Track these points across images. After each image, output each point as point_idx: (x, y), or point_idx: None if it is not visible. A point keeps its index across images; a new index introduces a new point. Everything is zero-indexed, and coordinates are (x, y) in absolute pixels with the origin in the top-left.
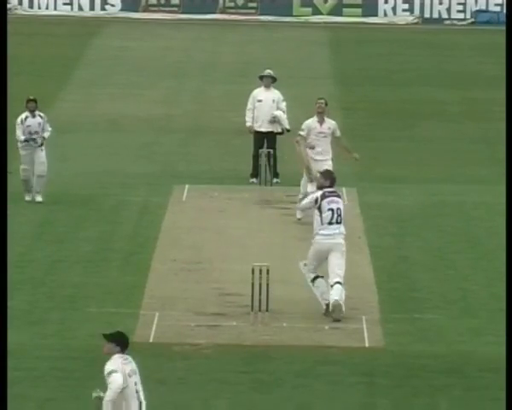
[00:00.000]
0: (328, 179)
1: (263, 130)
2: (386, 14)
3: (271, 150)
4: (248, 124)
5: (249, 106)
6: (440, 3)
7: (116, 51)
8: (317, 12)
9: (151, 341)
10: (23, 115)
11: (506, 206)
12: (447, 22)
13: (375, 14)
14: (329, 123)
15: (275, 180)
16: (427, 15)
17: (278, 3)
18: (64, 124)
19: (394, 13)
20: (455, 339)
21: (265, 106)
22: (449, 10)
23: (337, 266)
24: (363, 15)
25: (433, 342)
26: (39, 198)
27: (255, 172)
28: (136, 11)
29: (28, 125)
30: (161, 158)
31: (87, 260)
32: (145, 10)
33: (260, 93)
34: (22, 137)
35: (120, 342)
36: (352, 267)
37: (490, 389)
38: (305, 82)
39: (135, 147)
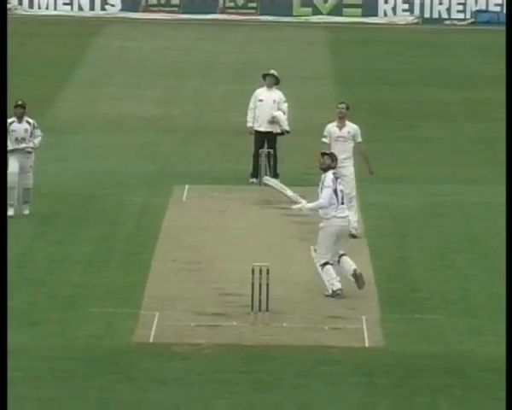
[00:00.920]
0: (335, 161)
1: (262, 130)
2: (386, 14)
3: (271, 150)
4: (249, 124)
5: (251, 105)
6: (440, 3)
7: (116, 51)
8: (317, 12)
9: (151, 341)
10: (9, 120)
11: (506, 206)
12: (447, 22)
13: (375, 14)
14: (350, 127)
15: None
16: (427, 15)
17: (278, 3)
18: (64, 124)
19: (394, 13)
20: (455, 339)
21: (266, 106)
22: (449, 10)
23: (344, 249)
24: (363, 15)
25: (433, 342)
26: (26, 211)
27: (255, 172)
28: (136, 11)
29: (13, 131)
30: (161, 158)
31: (87, 260)
32: (145, 10)
33: (262, 93)
34: (10, 147)
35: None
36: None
37: (490, 389)
38: (305, 82)
39: (135, 147)
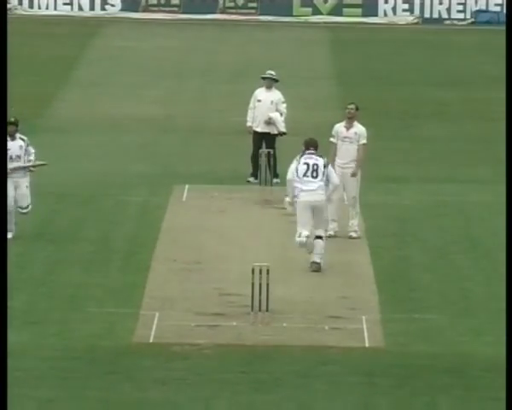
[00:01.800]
0: (312, 147)
1: (259, 130)
2: (386, 14)
3: (271, 150)
4: (248, 124)
5: (251, 105)
6: (440, 3)
7: (116, 51)
8: (317, 12)
9: (151, 341)
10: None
11: (506, 206)
12: (447, 22)
13: (375, 14)
14: (357, 128)
15: (275, 180)
16: (427, 15)
17: (278, 3)
18: (64, 124)
19: (394, 13)
20: (455, 339)
21: (263, 106)
22: (449, 10)
23: (320, 222)
24: (363, 15)
25: (433, 342)
26: (9, 235)
27: (255, 172)
28: (136, 11)
29: (8, 149)
30: (161, 158)
31: (87, 260)
32: (145, 10)
33: (261, 93)
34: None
35: None
36: (352, 267)
37: (490, 389)
38: (306, 82)
39: (135, 147)
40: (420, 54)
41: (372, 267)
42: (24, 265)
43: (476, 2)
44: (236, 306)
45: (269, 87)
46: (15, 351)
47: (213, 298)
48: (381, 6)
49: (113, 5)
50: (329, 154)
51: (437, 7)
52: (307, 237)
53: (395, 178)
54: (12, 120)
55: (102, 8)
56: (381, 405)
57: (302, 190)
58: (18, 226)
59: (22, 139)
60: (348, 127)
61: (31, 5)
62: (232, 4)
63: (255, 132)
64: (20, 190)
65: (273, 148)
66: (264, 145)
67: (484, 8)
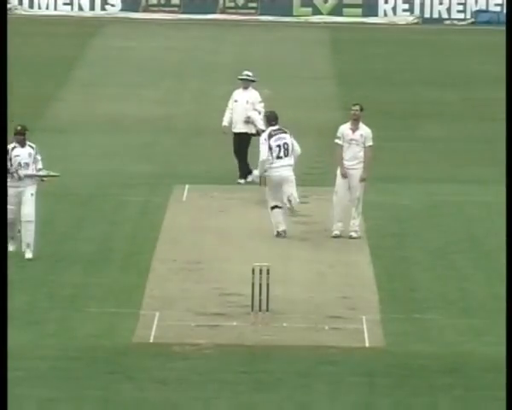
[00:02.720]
0: (273, 120)
1: (236, 131)
2: (386, 14)
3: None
4: (223, 124)
5: (229, 105)
6: (440, 3)
7: (116, 51)
8: (317, 12)
9: (151, 341)
10: (10, 145)
11: (506, 206)
12: (447, 22)
13: (375, 14)
14: (363, 130)
15: (242, 181)
16: (427, 15)
17: (278, 3)
18: (64, 124)
19: (394, 13)
20: (455, 339)
21: (239, 106)
22: (449, 10)
23: (289, 195)
24: (363, 15)
25: (433, 342)
26: (29, 254)
27: (241, 174)
28: (136, 11)
29: (17, 155)
30: (161, 158)
31: (87, 260)
32: (145, 10)
33: (237, 94)
34: (19, 173)
35: None
36: (352, 267)
37: (490, 388)
38: (306, 82)
39: (135, 147)
40: (420, 54)
41: (372, 267)
42: (24, 265)
43: (476, 2)
44: (236, 306)
45: (246, 87)
46: (15, 351)
47: (213, 298)
48: (381, 6)
49: (113, 5)
50: (335, 155)
51: (437, 7)
52: (284, 231)
53: (395, 178)
54: (19, 128)
55: (102, 8)
56: (381, 405)
57: (274, 168)
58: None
59: (31, 147)
60: (354, 129)
61: (31, 5)
62: (232, 4)
63: (234, 133)
64: (24, 197)
65: (245, 149)
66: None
67: (484, 8)
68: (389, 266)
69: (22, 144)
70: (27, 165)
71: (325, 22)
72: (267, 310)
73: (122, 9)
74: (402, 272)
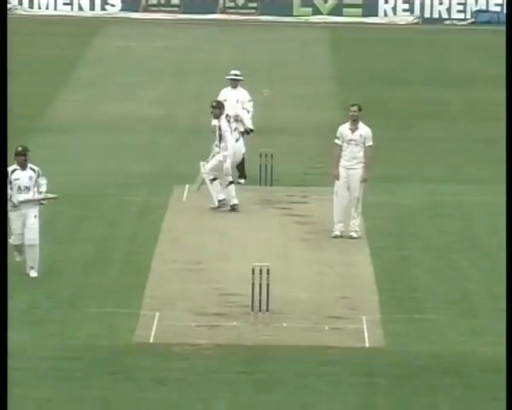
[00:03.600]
0: (222, 107)
1: None
2: (386, 14)
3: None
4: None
5: None
6: (440, 3)
7: (116, 51)
8: (317, 12)
9: (151, 341)
10: (11, 167)
11: (506, 206)
12: (447, 22)
13: (375, 14)
14: (363, 130)
15: (242, 181)
16: (427, 15)
17: (278, 3)
18: (64, 124)
19: (394, 13)
20: (455, 339)
21: (229, 105)
22: (449, 10)
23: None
24: (363, 15)
25: (433, 342)
26: (34, 274)
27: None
28: (136, 11)
29: (17, 179)
30: (161, 158)
31: (87, 260)
32: (145, 10)
33: (226, 93)
34: (13, 200)
35: None
36: (352, 267)
37: (490, 389)
38: (305, 82)
39: (135, 147)
40: (420, 54)
41: (372, 267)
42: (24, 265)
43: (476, 2)
44: (236, 306)
45: (234, 87)
46: (15, 351)
47: (213, 298)
48: (381, 6)
49: (113, 5)
50: (333, 155)
51: (437, 7)
52: (224, 198)
53: (395, 178)
54: (20, 149)
55: (102, 8)
56: (381, 405)
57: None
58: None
59: (33, 170)
60: (353, 129)
61: (31, 5)
62: (232, 4)
63: None
64: (28, 219)
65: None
66: None
67: (484, 8)
68: (389, 266)
69: (23, 167)
70: (27, 189)
71: (325, 22)
72: (267, 310)
73: (122, 9)
74: (402, 272)
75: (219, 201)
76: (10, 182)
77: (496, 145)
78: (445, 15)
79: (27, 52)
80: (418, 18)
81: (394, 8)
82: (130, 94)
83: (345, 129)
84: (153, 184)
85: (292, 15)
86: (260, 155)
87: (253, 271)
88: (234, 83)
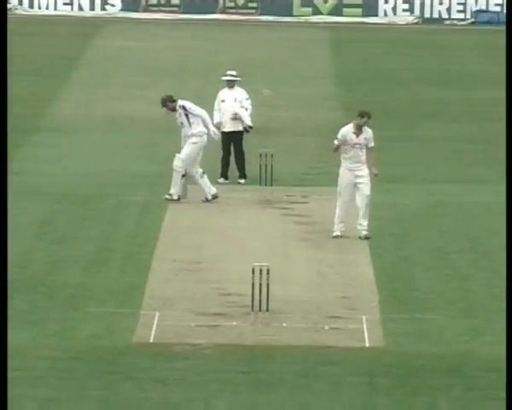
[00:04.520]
0: (174, 101)
1: (226, 130)
2: (386, 14)
3: (270, 150)
4: (215, 121)
5: (215, 106)
6: (440, 3)
7: (116, 51)
8: (317, 12)
9: (151, 341)
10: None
11: (506, 206)
12: (447, 22)
13: (375, 14)
14: (366, 133)
15: (242, 181)
16: (427, 15)
17: (278, 3)
18: (64, 124)
19: (394, 13)
20: (455, 339)
21: (227, 105)
22: (449, 10)
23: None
24: (363, 15)
25: (433, 342)
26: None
27: (224, 173)
28: (136, 11)
29: None
30: (161, 158)
31: (87, 260)
32: (145, 10)
33: (224, 93)
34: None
35: None
36: (352, 267)
37: (490, 388)
38: (305, 82)
39: (135, 147)
40: (420, 54)
41: (372, 267)
42: (24, 265)
43: (476, 2)
44: (236, 306)
45: (231, 87)
46: (15, 351)
47: (213, 298)
48: (381, 6)
49: (113, 5)
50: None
51: (437, 7)
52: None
53: (395, 178)
54: None
55: (102, 8)
56: (381, 405)
57: (206, 134)
58: (20, 226)
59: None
60: (358, 133)
61: (31, 5)
62: (232, 4)
63: (223, 133)
64: None
65: (241, 148)
66: (232, 145)
67: (484, 8)
68: (389, 266)
69: None
70: None
71: (325, 22)
72: (267, 310)
73: (122, 9)
74: (402, 272)
75: (212, 195)
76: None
77: (496, 145)
78: (445, 15)
79: (27, 52)
80: (418, 18)
81: (394, 8)
82: (130, 94)
83: (349, 133)
84: (153, 184)
85: (292, 15)
86: (260, 155)
87: (253, 271)
88: (230, 83)
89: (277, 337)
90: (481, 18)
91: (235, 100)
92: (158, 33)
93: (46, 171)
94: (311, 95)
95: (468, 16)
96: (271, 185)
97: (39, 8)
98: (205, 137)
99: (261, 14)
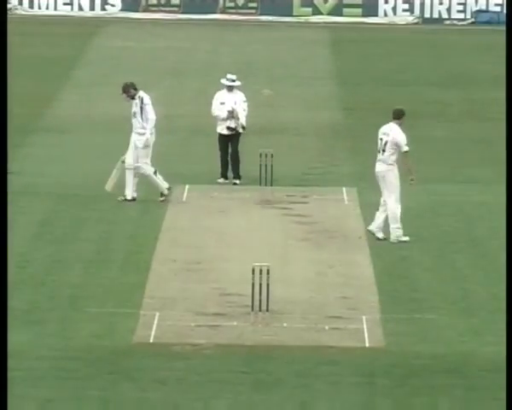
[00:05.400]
0: (136, 89)
1: (225, 132)
2: (386, 14)
3: (270, 150)
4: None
5: (213, 108)
6: (440, 3)
7: (116, 51)
8: (317, 12)
9: (151, 341)
10: None
11: (506, 206)
12: (447, 22)
13: (375, 14)
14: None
15: (237, 181)
16: (427, 15)
17: (278, 3)
18: (64, 124)
19: (394, 13)
20: (455, 339)
21: (227, 108)
22: (449, 10)
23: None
24: (363, 15)
25: (433, 342)
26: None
27: (224, 173)
28: (136, 11)
29: None
30: (161, 158)
31: (87, 260)
32: (145, 10)
33: (222, 95)
34: None
35: None
36: (352, 267)
37: (490, 389)
38: (305, 82)
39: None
40: (420, 54)
41: (372, 267)
42: (24, 265)
43: (476, 2)
44: (236, 306)
45: (230, 90)
46: (15, 351)
47: (213, 298)
48: (381, 6)
49: (113, 5)
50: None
51: (437, 7)
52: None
53: None
54: None
55: (102, 8)
56: (381, 405)
57: (152, 133)
58: (20, 226)
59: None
60: None
61: (31, 5)
62: (232, 4)
63: (220, 135)
64: None
65: (236, 147)
66: (229, 146)
67: (484, 8)
68: (389, 266)
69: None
70: None
71: (325, 22)
72: (267, 310)
73: (122, 9)
74: (402, 272)
75: (167, 189)
76: None
77: (496, 145)
78: (445, 15)
79: (27, 52)
80: (418, 18)
81: (394, 8)
82: None
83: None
84: (153, 184)
85: (292, 15)
86: (260, 155)
87: (253, 271)
88: (230, 87)
89: (277, 337)
90: (481, 18)
91: (235, 103)
92: (158, 33)
93: (46, 171)
94: (311, 95)
95: (468, 16)
96: (271, 185)
97: (39, 8)
98: (153, 136)
99: (261, 14)
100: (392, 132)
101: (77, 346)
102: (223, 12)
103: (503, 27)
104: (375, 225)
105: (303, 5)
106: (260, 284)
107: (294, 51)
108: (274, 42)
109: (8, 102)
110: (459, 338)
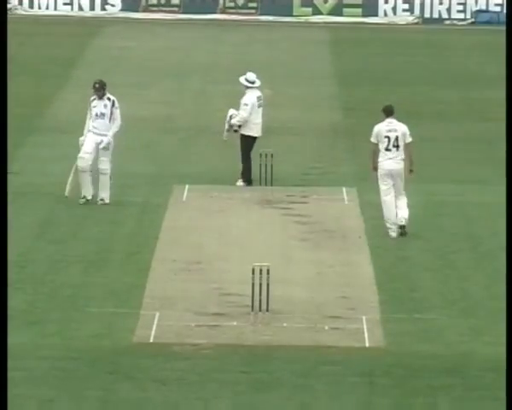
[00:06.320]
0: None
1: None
2: (386, 14)
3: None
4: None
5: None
6: (440, 3)
7: (116, 51)
8: (317, 12)
9: (151, 341)
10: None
11: (506, 206)
12: (447, 22)
13: (375, 14)
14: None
15: (239, 182)
16: (427, 15)
17: (278, 3)
18: (64, 124)
19: (394, 13)
20: (455, 339)
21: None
22: (449, 10)
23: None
24: (363, 15)
25: (433, 342)
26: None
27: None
28: (136, 11)
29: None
30: (161, 158)
31: (87, 260)
32: (145, 10)
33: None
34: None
35: None
36: (352, 267)
37: (490, 389)
38: (305, 82)
39: (135, 147)
40: (420, 54)
41: (372, 267)
42: (24, 265)
43: (476, 2)
44: (236, 306)
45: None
46: (15, 351)
47: (213, 298)
48: (381, 6)
49: (113, 5)
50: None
51: (437, 7)
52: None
53: None
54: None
55: (102, 8)
56: (381, 405)
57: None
58: (20, 226)
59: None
60: None
61: (31, 5)
62: (232, 4)
63: (252, 138)
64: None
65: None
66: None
67: (484, 8)
68: (389, 266)
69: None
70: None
71: (325, 22)
72: (267, 310)
73: (122, 9)
74: (402, 272)
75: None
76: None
77: (496, 145)
78: (445, 15)
79: (27, 52)
80: (418, 18)
81: (394, 8)
82: (131, 94)
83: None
84: (153, 184)
85: (292, 15)
86: (260, 155)
87: (253, 271)
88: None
89: (277, 337)
90: (481, 18)
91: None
92: (158, 33)
93: (46, 171)
94: (311, 95)
95: (468, 16)
96: (271, 185)
97: (39, 8)
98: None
99: (261, 14)
100: (398, 127)
101: (77, 346)
102: (223, 12)
103: (503, 27)
104: (402, 215)
105: (303, 5)
106: (260, 284)
107: (294, 51)
108: (274, 42)
109: (8, 102)
110: (459, 338)
